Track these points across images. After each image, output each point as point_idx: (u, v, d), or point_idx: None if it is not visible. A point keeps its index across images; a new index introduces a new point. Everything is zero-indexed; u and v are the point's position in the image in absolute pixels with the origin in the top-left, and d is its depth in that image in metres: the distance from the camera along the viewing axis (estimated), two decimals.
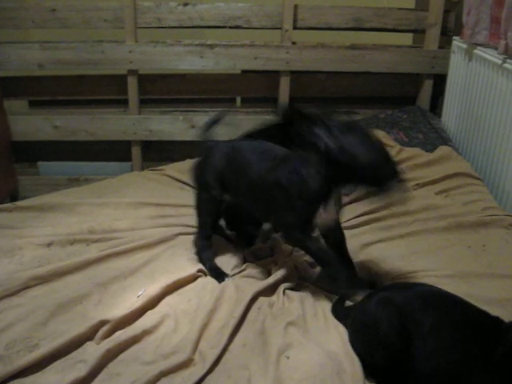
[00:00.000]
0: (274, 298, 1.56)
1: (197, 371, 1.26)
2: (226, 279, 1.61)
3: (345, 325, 1.41)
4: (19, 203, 2.03)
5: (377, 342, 1.26)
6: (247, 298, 1.50)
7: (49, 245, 1.74)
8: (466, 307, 1.29)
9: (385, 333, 1.24)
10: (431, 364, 1.20)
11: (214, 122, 1.84)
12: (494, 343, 1.18)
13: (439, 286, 1.39)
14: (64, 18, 2.74)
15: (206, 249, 1.72)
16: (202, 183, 1.73)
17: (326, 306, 1.51)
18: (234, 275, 1.66)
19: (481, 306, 1.30)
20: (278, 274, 1.63)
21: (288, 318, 1.43)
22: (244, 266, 1.72)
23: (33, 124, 2.87)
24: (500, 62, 2.22)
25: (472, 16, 2.43)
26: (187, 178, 2.31)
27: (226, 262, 1.73)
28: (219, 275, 1.64)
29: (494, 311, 1.28)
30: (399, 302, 1.28)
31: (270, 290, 1.59)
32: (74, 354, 1.32)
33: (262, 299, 1.53)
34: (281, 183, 1.50)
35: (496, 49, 2.28)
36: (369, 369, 1.28)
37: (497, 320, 1.25)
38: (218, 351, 1.31)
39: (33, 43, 2.74)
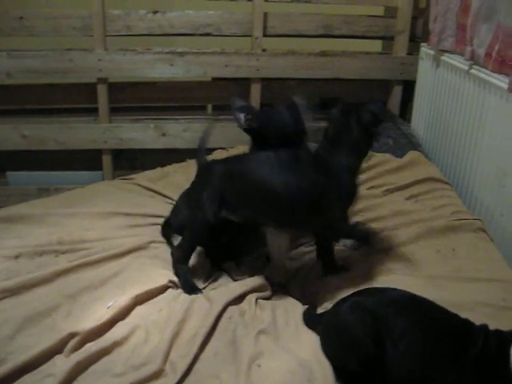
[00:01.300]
0: (245, 306, 1.55)
1: (168, 382, 1.25)
2: (198, 293, 1.60)
3: (316, 331, 1.41)
4: None
5: (350, 346, 1.27)
6: (218, 308, 1.48)
7: (16, 257, 1.70)
8: (437, 311, 1.30)
9: (358, 337, 1.25)
10: (403, 368, 1.21)
11: (204, 141, 1.83)
12: (464, 346, 1.19)
13: (409, 290, 1.40)
14: (32, 25, 2.72)
15: (183, 261, 1.69)
16: (197, 204, 1.66)
17: (297, 314, 1.51)
18: (204, 287, 1.66)
19: (450, 310, 1.31)
20: (249, 283, 1.63)
21: (259, 327, 1.43)
22: (215, 276, 1.72)
23: (1, 133, 2.82)
24: (466, 68, 2.25)
25: (439, 23, 2.46)
26: (158, 186, 2.30)
27: (198, 271, 1.73)
28: (191, 289, 1.62)
29: (463, 315, 1.30)
30: (371, 306, 1.29)
31: (240, 299, 1.58)
32: (42, 368, 1.29)
33: (232, 308, 1.52)
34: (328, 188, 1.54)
35: (462, 55, 2.32)
36: (340, 374, 1.28)
37: (467, 323, 1.26)
38: (188, 360, 1.30)
39: (0, 51, 2.70)
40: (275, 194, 1.53)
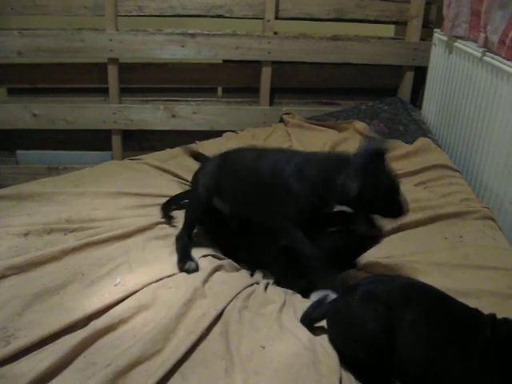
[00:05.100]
0: (253, 288, 1.56)
1: (171, 356, 1.25)
2: (188, 265, 1.61)
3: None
4: None
5: (363, 339, 1.25)
6: (232, 292, 1.50)
7: (26, 234, 1.71)
8: (446, 300, 1.29)
9: (371, 330, 1.23)
10: (412, 357, 1.21)
11: None
12: (472, 336, 1.18)
13: (417, 277, 1.40)
14: (43, 4, 2.71)
15: (182, 237, 1.73)
16: (194, 190, 1.78)
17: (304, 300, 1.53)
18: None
19: (456, 297, 1.31)
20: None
21: (266, 309, 1.44)
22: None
23: (12, 112, 2.83)
24: (479, 54, 2.23)
25: (452, 9, 2.44)
26: (167, 167, 2.30)
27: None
28: (186, 260, 1.63)
29: (469, 302, 1.29)
30: (383, 297, 1.27)
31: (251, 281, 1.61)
32: (50, 344, 1.30)
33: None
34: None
35: (476, 42, 2.30)
36: (351, 364, 1.27)
37: (476, 312, 1.25)
38: (194, 337, 1.31)
39: (12, 30, 2.71)
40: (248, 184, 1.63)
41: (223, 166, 1.72)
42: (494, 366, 1.15)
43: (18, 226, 1.76)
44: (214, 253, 1.73)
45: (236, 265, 1.69)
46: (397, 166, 2.28)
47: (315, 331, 1.37)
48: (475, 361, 1.16)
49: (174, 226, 1.85)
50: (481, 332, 1.18)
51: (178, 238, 1.73)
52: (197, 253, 1.70)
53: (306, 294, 1.57)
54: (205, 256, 1.69)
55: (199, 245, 1.76)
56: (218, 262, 1.66)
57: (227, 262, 1.69)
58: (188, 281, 1.55)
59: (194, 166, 2.14)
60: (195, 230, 1.79)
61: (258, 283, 1.60)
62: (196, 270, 1.61)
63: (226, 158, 1.75)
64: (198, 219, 1.78)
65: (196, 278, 1.55)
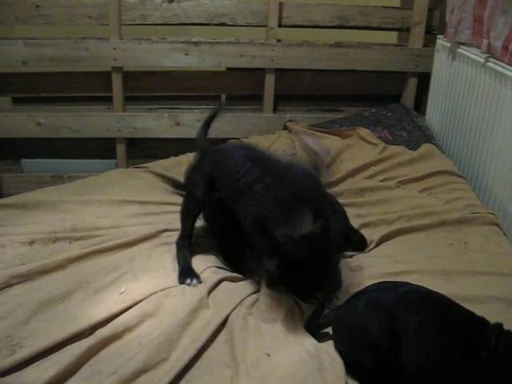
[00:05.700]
0: (257, 295, 1.56)
1: (176, 364, 1.25)
2: (190, 281, 1.58)
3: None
4: (1, 201, 2.01)
5: (367, 346, 1.25)
6: (236, 299, 1.50)
7: (31, 243, 1.72)
8: (451, 308, 1.29)
9: (376, 337, 1.23)
10: (416, 364, 1.20)
11: (209, 121, 1.87)
12: (477, 345, 1.18)
13: (421, 284, 1.39)
14: (48, 14, 2.73)
15: (181, 241, 1.71)
16: (188, 184, 1.74)
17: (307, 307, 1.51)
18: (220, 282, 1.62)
19: (461, 303, 1.31)
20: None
21: (270, 316, 1.43)
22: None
23: (16, 121, 2.84)
24: (483, 60, 2.23)
25: (455, 15, 2.44)
26: (171, 175, 2.31)
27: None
28: (187, 275, 1.60)
29: (473, 308, 1.29)
30: (387, 303, 1.27)
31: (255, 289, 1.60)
32: (55, 353, 1.30)
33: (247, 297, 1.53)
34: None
35: (479, 48, 2.30)
36: (355, 371, 1.27)
37: (482, 321, 1.25)
38: (199, 345, 1.31)
39: (16, 39, 2.72)
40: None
41: (217, 168, 1.65)
42: (497, 377, 1.15)
43: (23, 234, 1.76)
44: (218, 264, 1.71)
45: (240, 276, 1.67)
46: (401, 172, 2.31)
47: (320, 338, 1.37)
48: (478, 372, 1.16)
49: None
50: (485, 343, 1.18)
51: (179, 249, 1.71)
52: (201, 264, 1.69)
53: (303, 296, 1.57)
54: (209, 267, 1.68)
55: (204, 254, 1.75)
56: (222, 272, 1.66)
57: (232, 273, 1.68)
58: (193, 290, 1.55)
59: None
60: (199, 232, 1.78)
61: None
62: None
63: (219, 159, 1.66)
64: (195, 219, 1.73)
65: (201, 288, 1.55)
